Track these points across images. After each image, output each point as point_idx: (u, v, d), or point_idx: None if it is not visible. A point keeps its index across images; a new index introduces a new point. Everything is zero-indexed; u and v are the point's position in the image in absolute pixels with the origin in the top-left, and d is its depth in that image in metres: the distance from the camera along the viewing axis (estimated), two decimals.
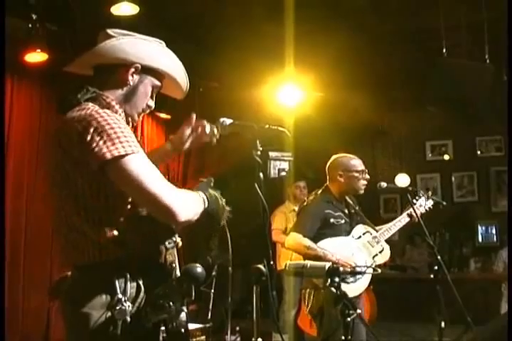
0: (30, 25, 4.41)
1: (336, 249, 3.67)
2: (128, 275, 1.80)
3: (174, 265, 1.90)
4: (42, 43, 4.58)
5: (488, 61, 5.03)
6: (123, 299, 1.76)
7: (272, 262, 2.23)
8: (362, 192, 3.90)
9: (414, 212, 3.90)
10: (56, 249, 4.69)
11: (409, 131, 7.96)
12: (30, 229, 4.90)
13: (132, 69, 1.95)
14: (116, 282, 1.78)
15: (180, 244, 1.98)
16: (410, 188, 4.20)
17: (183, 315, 1.83)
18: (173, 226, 1.90)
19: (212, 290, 5.49)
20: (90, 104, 1.87)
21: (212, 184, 2.04)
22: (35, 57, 4.67)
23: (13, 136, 4.83)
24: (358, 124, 7.18)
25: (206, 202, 1.95)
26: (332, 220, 3.76)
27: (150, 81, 2.01)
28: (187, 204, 1.83)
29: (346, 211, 3.90)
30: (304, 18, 4.70)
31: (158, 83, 2.04)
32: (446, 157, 7.93)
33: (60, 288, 1.94)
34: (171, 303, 1.77)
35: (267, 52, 5.28)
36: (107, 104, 1.92)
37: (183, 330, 1.83)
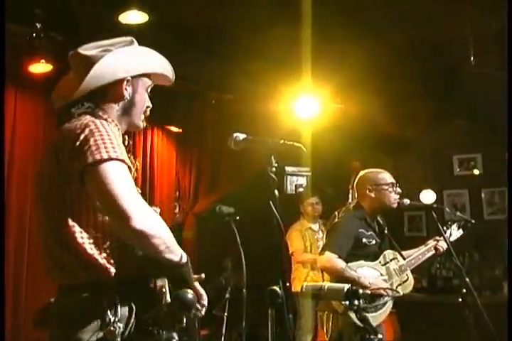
0: (34, 35, 4.49)
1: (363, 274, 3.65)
2: (118, 298, 1.83)
3: (164, 290, 1.89)
4: (46, 54, 4.66)
5: None
6: (114, 320, 1.80)
7: (288, 283, 2.23)
8: (395, 206, 3.87)
9: (447, 244, 3.88)
10: None
11: (435, 144, 7.90)
12: (35, 232, 4.96)
13: (125, 83, 2.11)
14: (106, 303, 1.81)
15: None
16: (436, 205, 4.18)
17: None
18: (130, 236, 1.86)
19: (226, 314, 5.48)
20: (88, 116, 2.01)
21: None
22: (39, 68, 4.75)
23: (17, 146, 4.93)
24: (379, 138, 7.16)
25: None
26: (364, 240, 3.74)
27: (143, 84, 2.17)
28: (149, 215, 1.83)
29: (377, 231, 3.89)
30: (321, 28, 4.72)
31: (150, 82, 2.21)
32: (476, 172, 7.86)
33: (46, 315, 1.96)
34: (160, 330, 1.81)
35: (283, 63, 5.30)
36: (102, 117, 2.04)
37: None
